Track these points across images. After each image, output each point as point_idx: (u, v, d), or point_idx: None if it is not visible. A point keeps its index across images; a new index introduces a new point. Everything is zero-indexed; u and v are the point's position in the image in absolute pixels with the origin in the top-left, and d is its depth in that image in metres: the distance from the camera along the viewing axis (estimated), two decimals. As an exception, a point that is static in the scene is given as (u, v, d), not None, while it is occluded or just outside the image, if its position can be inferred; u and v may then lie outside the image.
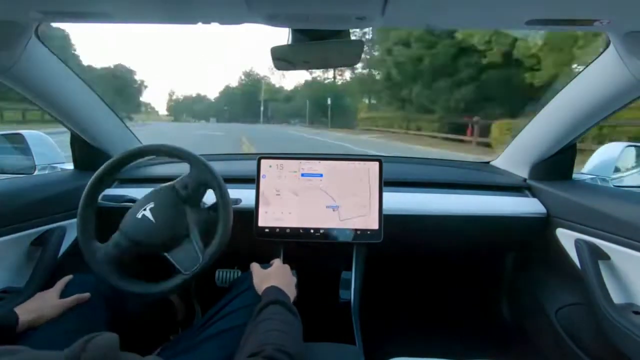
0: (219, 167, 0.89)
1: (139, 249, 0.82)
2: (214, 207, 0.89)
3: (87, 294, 0.79)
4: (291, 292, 0.77)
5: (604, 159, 1.29)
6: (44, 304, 0.75)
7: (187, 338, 0.77)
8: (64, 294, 0.78)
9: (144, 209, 0.84)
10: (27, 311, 0.71)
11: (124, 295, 0.83)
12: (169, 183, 0.88)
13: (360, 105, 23.18)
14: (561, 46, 8.47)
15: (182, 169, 1.20)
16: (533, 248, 1.19)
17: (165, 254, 0.82)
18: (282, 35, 0.77)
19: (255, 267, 0.84)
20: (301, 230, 1.00)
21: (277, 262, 0.86)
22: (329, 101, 22.68)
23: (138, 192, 0.92)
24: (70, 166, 1.24)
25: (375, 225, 1.00)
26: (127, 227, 0.83)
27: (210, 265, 0.83)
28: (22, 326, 0.69)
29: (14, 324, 0.68)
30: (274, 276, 0.79)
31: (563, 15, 0.61)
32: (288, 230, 1.00)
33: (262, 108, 37.86)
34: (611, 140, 1.35)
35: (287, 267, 0.86)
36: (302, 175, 1.02)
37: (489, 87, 11.40)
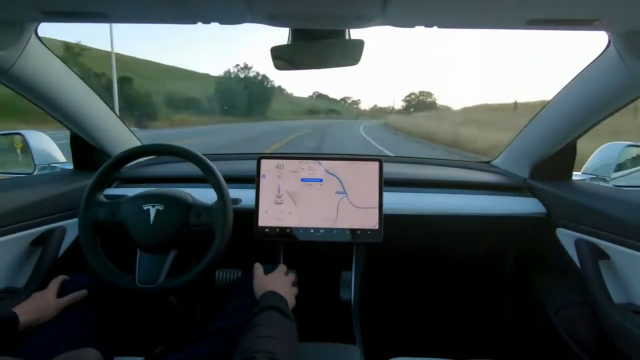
0: (218, 166, 0.89)
1: (120, 228, 0.85)
2: (214, 206, 0.89)
3: (83, 291, 0.79)
4: (290, 301, 0.76)
5: (604, 159, 1.29)
6: (42, 305, 0.75)
7: (185, 337, 0.77)
8: (60, 294, 0.78)
9: (153, 206, 0.85)
10: (25, 312, 0.71)
11: (115, 290, 0.84)
12: (189, 199, 0.88)
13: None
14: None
15: (182, 169, 1.20)
16: (533, 248, 1.19)
17: (139, 251, 0.85)
18: (282, 35, 0.77)
19: (258, 269, 0.84)
20: (301, 230, 1.00)
21: (280, 269, 0.85)
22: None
23: (140, 192, 0.92)
24: (70, 166, 1.24)
25: (375, 225, 1.00)
26: (128, 209, 0.86)
27: (218, 261, 0.84)
28: (21, 327, 0.69)
29: (16, 326, 0.68)
30: (274, 283, 0.78)
31: (563, 15, 0.61)
32: (288, 230, 1.00)
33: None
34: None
35: (289, 276, 0.85)
36: (302, 180, 1.02)
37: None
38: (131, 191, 1.06)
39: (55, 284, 0.81)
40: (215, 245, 0.83)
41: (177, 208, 0.86)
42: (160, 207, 0.85)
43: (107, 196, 0.93)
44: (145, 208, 0.85)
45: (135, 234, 0.84)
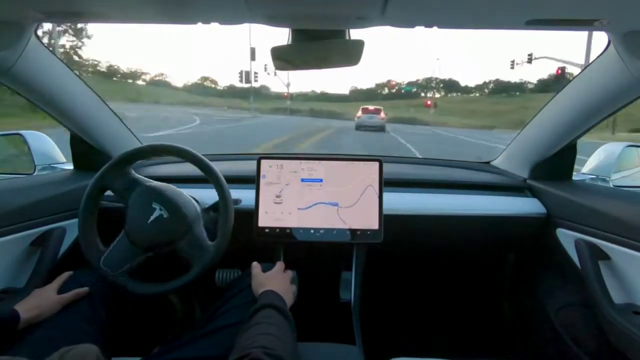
0: (219, 167, 0.89)
1: (119, 202, 0.87)
2: (215, 206, 0.89)
3: (85, 289, 0.79)
4: (288, 299, 0.76)
5: (604, 159, 1.29)
6: (43, 301, 0.75)
7: (185, 335, 0.77)
8: (62, 291, 0.78)
9: (160, 208, 0.85)
10: (27, 309, 0.71)
11: (126, 294, 0.84)
12: (194, 221, 0.88)
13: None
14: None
15: (182, 169, 1.20)
16: (533, 248, 1.19)
17: (122, 232, 0.86)
18: (282, 35, 0.77)
19: (256, 268, 0.83)
20: (301, 231, 1.00)
21: (278, 266, 0.85)
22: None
23: (158, 184, 0.92)
24: (70, 166, 1.24)
25: (375, 225, 1.00)
26: (137, 195, 0.87)
27: (217, 261, 0.85)
28: (22, 324, 0.69)
29: (16, 323, 0.68)
30: (273, 281, 0.78)
31: (563, 15, 0.61)
32: (288, 231, 1.00)
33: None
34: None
35: (288, 274, 0.85)
36: (302, 180, 1.02)
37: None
38: None
39: (59, 280, 0.81)
40: (191, 273, 0.84)
41: (178, 223, 0.85)
42: (165, 214, 0.84)
43: (107, 198, 0.93)
44: (153, 206, 0.85)
45: (128, 219, 0.85)
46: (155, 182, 0.91)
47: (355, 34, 0.76)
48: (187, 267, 0.87)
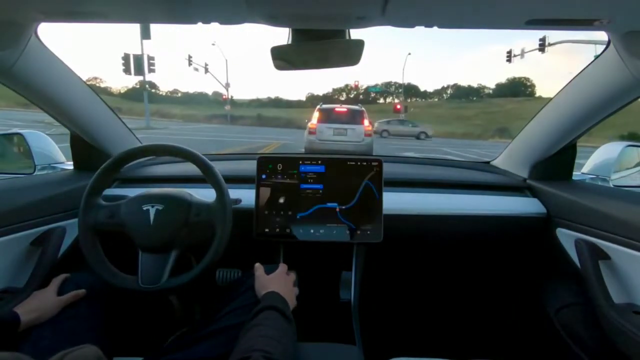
0: (218, 166, 0.89)
1: (120, 230, 0.85)
2: (214, 204, 0.89)
3: (83, 290, 0.79)
4: (291, 301, 0.77)
5: (604, 159, 1.29)
6: (43, 303, 0.75)
7: (185, 336, 0.77)
8: (61, 293, 0.78)
9: (152, 206, 0.85)
10: (27, 311, 0.71)
11: (115, 290, 0.84)
12: (188, 197, 0.88)
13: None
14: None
15: (182, 169, 1.20)
16: (533, 248, 1.19)
17: (140, 251, 0.85)
18: (282, 35, 0.77)
19: (259, 269, 0.83)
20: (301, 230, 1.00)
21: (281, 268, 0.85)
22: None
23: (139, 193, 0.92)
24: (70, 166, 1.24)
25: (375, 225, 1.00)
26: (127, 210, 0.86)
27: (217, 260, 0.84)
28: (22, 326, 0.69)
29: (17, 325, 0.68)
30: (276, 283, 0.78)
31: (563, 15, 0.61)
32: (288, 230, 1.00)
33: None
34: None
35: (291, 276, 0.86)
36: (302, 186, 1.02)
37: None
38: (131, 191, 1.06)
39: (56, 282, 0.81)
40: (217, 241, 0.83)
41: (176, 207, 0.86)
42: (160, 207, 0.85)
43: (106, 197, 0.93)
44: (144, 208, 0.85)
45: (135, 235, 0.84)
46: (129, 196, 0.91)
47: (355, 34, 0.76)
48: (188, 266, 0.87)
